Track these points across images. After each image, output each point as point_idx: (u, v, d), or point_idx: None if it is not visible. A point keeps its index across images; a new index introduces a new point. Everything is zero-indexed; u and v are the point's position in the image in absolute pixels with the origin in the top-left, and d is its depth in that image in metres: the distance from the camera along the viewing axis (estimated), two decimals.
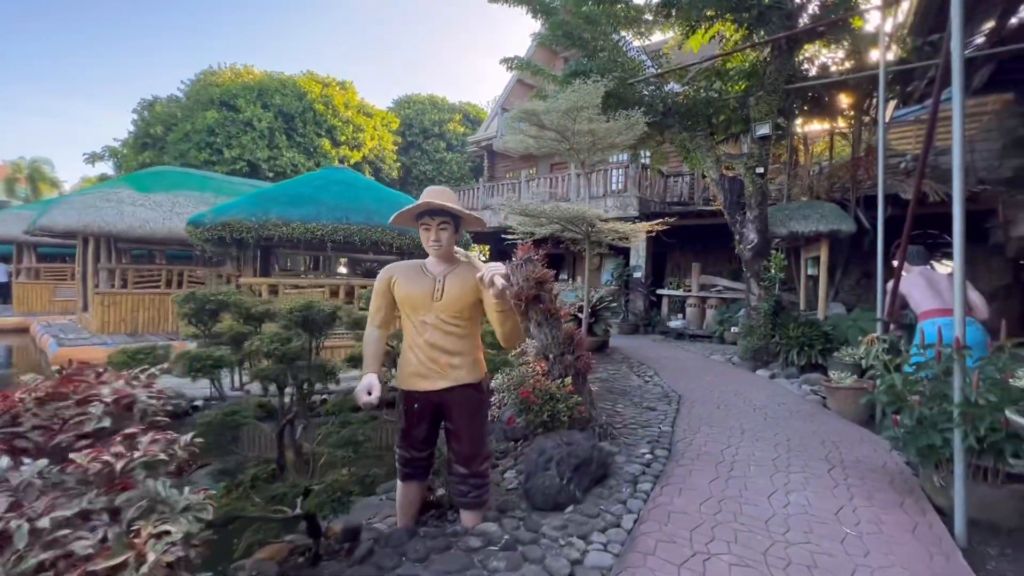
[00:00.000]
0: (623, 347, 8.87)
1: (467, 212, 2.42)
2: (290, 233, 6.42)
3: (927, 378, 2.85)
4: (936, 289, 4.54)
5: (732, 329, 9.61)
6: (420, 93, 25.72)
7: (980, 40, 7.30)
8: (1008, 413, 2.31)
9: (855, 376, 5.06)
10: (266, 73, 16.64)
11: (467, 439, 2.40)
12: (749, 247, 7.13)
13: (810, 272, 8.83)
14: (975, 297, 4.53)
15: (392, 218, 2.43)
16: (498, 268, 2.13)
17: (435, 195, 2.35)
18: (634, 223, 11.78)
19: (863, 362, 3.16)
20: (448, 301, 2.35)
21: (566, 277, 17.42)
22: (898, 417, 2.87)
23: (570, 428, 3.41)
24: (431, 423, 2.44)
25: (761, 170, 6.91)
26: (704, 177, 9.83)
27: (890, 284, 4.81)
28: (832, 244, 7.50)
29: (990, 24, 6.85)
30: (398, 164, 20.77)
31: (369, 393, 2.25)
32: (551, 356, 3.73)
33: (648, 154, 15.29)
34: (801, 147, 10.55)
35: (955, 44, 2.74)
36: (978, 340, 4.35)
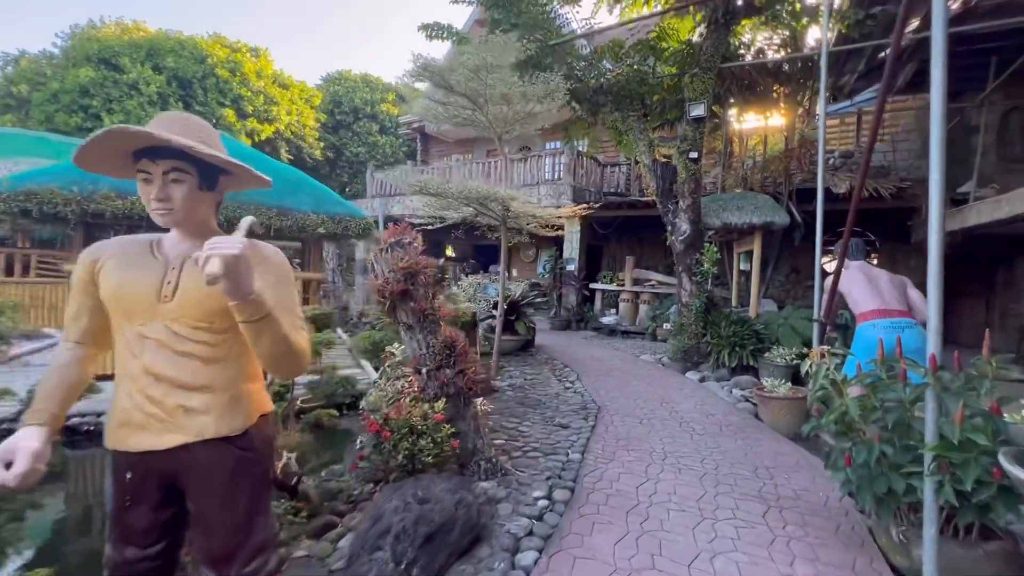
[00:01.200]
0: (550, 345, 8.16)
1: (225, 158, 1.44)
2: (128, 209, 5.11)
3: (885, 405, 2.21)
4: (876, 287, 4.07)
5: (664, 326, 9.16)
6: (352, 71, 23.92)
7: (912, 28, 7.13)
8: (1003, 460, 1.68)
9: (788, 383, 4.55)
10: (160, 31, 14.46)
11: (220, 529, 1.44)
12: (681, 239, 6.57)
13: (742, 267, 8.49)
14: (916, 297, 4.10)
15: (75, 154, 1.41)
16: (224, 244, 1.19)
17: (166, 124, 1.38)
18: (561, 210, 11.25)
19: (809, 381, 2.50)
20: (183, 302, 1.38)
21: (499, 269, 16.64)
22: (849, 455, 2.22)
23: (440, 469, 2.55)
24: (160, 504, 1.47)
25: (695, 155, 6.34)
26: (637, 163, 9.27)
27: (828, 281, 4.32)
28: (764, 238, 7.12)
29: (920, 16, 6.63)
30: (322, 144, 19.04)
31: (8, 466, 1.27)
32: (424, 371, 2.85)
33: (585, 143, 14.79)
34: (736, 139, 10.27)
35: (937, 17, 2.02)
36: (919, 346, 3.94)
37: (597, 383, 5.58)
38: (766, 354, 6.08)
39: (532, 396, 4.94)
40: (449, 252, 20.92)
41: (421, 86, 5.28)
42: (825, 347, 2.59)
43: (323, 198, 5.94)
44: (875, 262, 10.96)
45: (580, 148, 12.05)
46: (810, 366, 2.48)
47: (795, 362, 5.89)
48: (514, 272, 16.39)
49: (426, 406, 2.70)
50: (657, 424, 4.14)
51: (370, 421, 2.45)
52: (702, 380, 6.05)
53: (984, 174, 7.70)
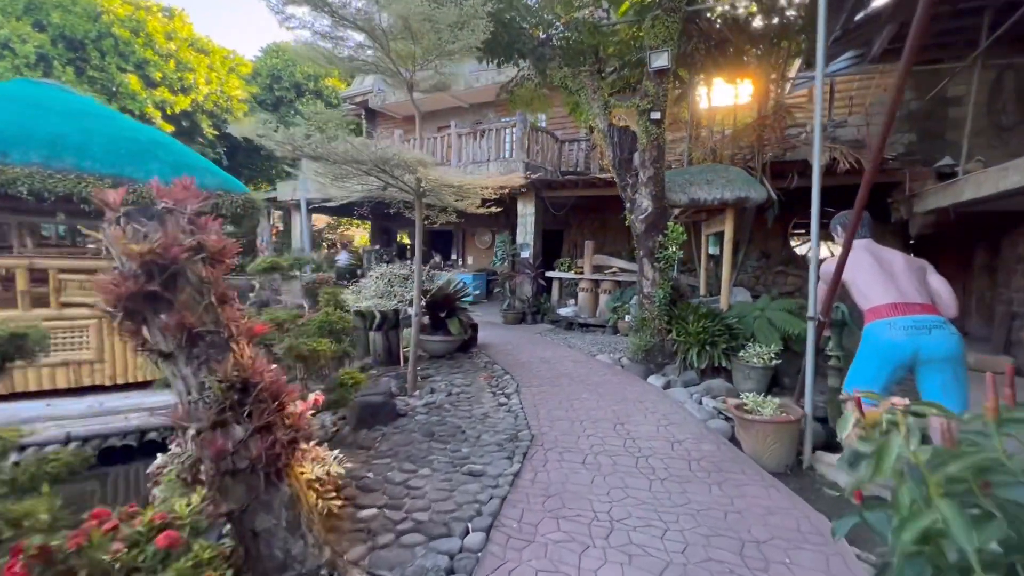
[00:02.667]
0: (496, 344, 7.04)
1: None
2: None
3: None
4: (889, 273, 3.09)
5: (626, 318, 8.18)
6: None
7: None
8: None
9: (773, 399, 3.55)
10: None
11: None
12: (642, 217, 5.52)
13: (711, 251, 7.55)
14: (941, 286, 3.15)
15: None
16: None
17: None
18: (520, 190, 10.08)
19: (841, 442, 1.43)
20: None
21: (455, 258, 15.38)
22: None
23: None
24: None
25: (657, 115, 5.27)
26: (591, 131, 8.16)
27: (825, 267, 3.33)
28: (737, 217, 6.15)
29: None
30: (252, 120, 17.23)
31: None
32: (192, 431, 1.65)
33: (544, 118, 13.64)
34: (702, 113, 9.29)
35: None
36: (954, 352, 3.00)
37: (539, 396, 4.49)
38: (740, 353, 5.13)
39: (451, 420, 3.80)
40: (404, 239, 19.51)
41: (303, 33, 3.97)
42: (854, 393, 1.51)
43: (186, 166, 4.59)
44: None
45: (539, 122, 10.87)
46: (840, 423, 1.39)
47: (774, 362, 4.96)
48: (469, 260, 15.18)
49: (194, 497, 1.52)
50: (606, 464, 3.07)
51: (10, 553, 1.24)
52: (667, 386, 5.05)
53: (970, 145, 6.93)
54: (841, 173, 7.36)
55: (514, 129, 10.06)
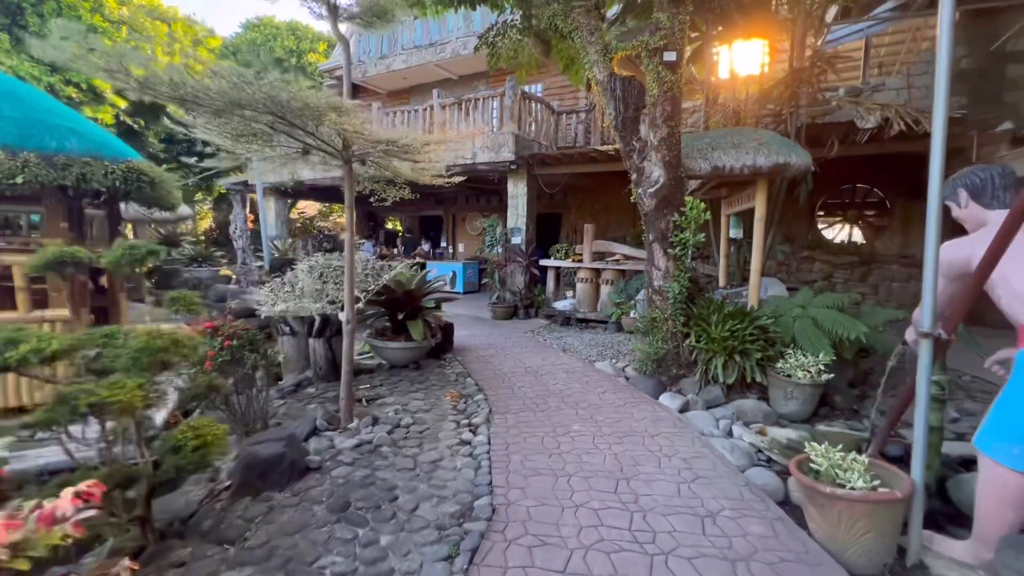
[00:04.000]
0: (476, 348, 5.91)
1: None
2: None
3: None
4: None
5: (632, 314, 7.02)
6: (277, 18, 20.54)
7: None
8: None
9: (859, 459, 2.36)
10: None
11: None
12: (652, 190, 4.32)
13: (732, 234, 6.34)
14: None
15: None
16: None
17: None
18: (509, 167, 8.82)
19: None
20: None
21: (444, 245, 14.19)
22: None
23: None
24: None
25: (673, 56, 4.04)
26: (590, 88, 6.89)
27: (951, 253, 2.16)
28: (769, 191, 4.94)
29: None
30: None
31: None
32: None
33: (540, 89, 12.31)
34: (722, 82, 7.98)
35: None
36: None
37: (516, 429, 3.36)
38: (779, 364, 3.97)
39: (383, 475, 2.67)
40: (396, 226, 18.32)
41: None
42: None
43: (39, 123, 3.42)
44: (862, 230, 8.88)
45: (535, 91, 9.59)
46: None
47: (824, 377, 3.80)
48: (460, 247, 14.00)
49: None
50: (601, 570, 1.93)
51: None
52: (684, 409, 3.90)
53: None
54: (888, 139, 6.11)
55: (503, 98, 8.80)
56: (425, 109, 9.86)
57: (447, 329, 5.61)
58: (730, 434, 3.56)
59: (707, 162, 4.47)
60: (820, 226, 9.62)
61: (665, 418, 3.63)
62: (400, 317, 4.63)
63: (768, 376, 4.02)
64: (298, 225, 19.25)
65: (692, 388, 4.26)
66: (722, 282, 6.34)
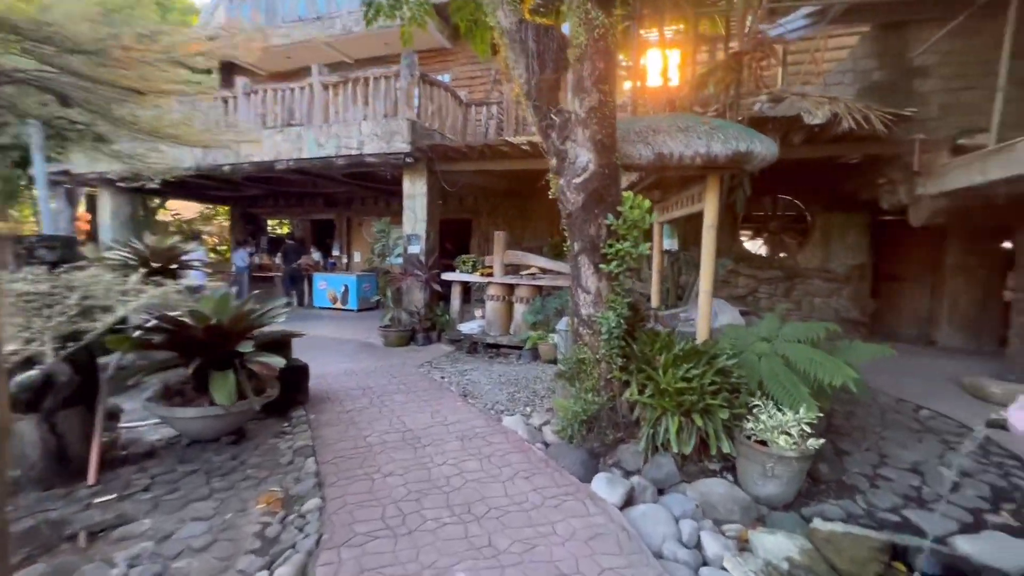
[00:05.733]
0: (347, 394, 4.31)
1: None
2: None
3: None
4: None
5: (552, 339, 5.78)
6: None
7: None
8: None
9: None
10: None
11: None
12: (578, 181, 3.07)
13: (667, 245, 5.33)
14: None
15: None
16: None
17: None
18: (404, 160, 7.24)
19: None
20: None
21: (337, 254, 12.24)
22: None
23: None
24: None
25: None
26: (496, 52, 5.63)
27: None
28: (720, 189, 3.91)
29: None
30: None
31: None
32: None
33: (448, 80, 10.88)
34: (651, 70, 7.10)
35: None
36: None
37: None
38: (748, 424, 2.85)
39: None
40: (285, 229, 15.88)
41: None
42: None
43: None
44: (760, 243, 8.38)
45: (441, 77, 8.13)
46: None
47: (813, 444, 2.73)
48: (356, 257, 12.12)
49: None
50: None
51: None
52: (629, 501, 2.64)
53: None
54: (828, 140, 5.46)
55: (398, 79, 7.28)
56: (303, 88, 8.05)
57: (297, 374, 3.96)
58: (699, 545, 2.33)
59: (649, 148, 3.30)
60: (741, 239, 9.14)
61: (605, 531, 2.32)
62: (205, 367, 2.93)
63: (737, 444, 2.88)
64: (171, 229, 16.11)
65: (634, 459, 3.01)
66: (655, 302, 5.29)
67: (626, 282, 3.23)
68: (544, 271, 6.78)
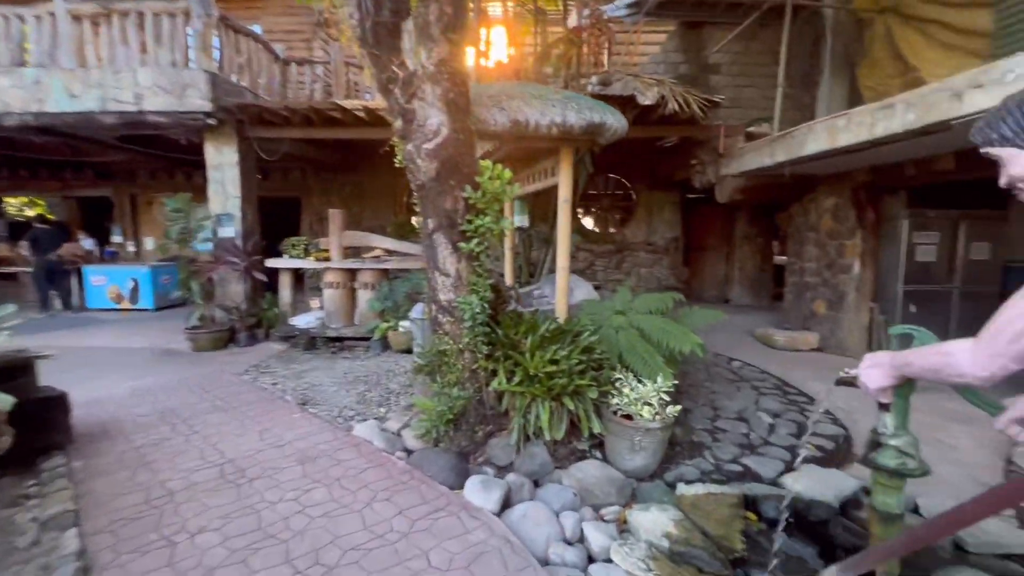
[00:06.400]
0: (135, 423, 3.28)
1: None
2: None
3: None
4: None
5: (402, 325, 5.30)
6: None
7: None
8: None
9: None
10: None
11: None
12: (430, 146, 2.64)
13: (518, 222, 5.22)
14: None
15: None
16: None
17: None
18: (205, 122, 5.74)
19: None
20: None
21: (119, 239, 9.75)
22: None
23: None
24: None
25: None
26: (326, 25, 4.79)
27: None
28: (573, 161, 3.84)
29: None
30: None
31: None
32: None
33: (260, 30, 9.12)
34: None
35: None
36: None
37: None
38: (614, 400, 2.84)
39: None
40: (22, 210, 12.12)
41: None
42: None
43: None
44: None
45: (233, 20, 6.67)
46: None
47: (673, 412, 2.82)
48: (148, 244, 9.80)
49: None
50: None
51: None
52: (506, 505, 2.40)
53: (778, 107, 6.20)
54: (654, 121, 5.89)
55: (190, 18, 5.79)
56: (40, 17, 5.94)
57: (49, 407, 2.85)
58: (583, 538, 2.20)
59: (505, 114, 3.01)
60: (578, 215, 9.66)
61: (487, 549, 2.03)
62: None
63: (605, 421, 2.85)
64: None
65: (506, 453, 2.79)
66: (509, 281, 5.17)
67: (487, 261, 2.94)
68: (390, 253, 6.19)
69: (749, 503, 2.51)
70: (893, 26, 5.59)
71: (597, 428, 2.77)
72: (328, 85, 8.05)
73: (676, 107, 5.11)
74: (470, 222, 2.75)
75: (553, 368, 2.78)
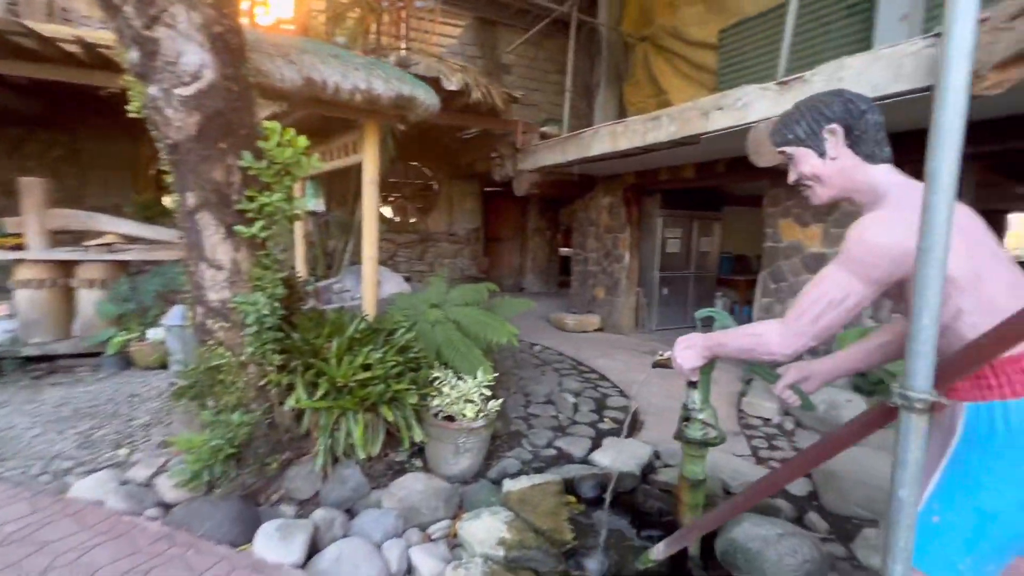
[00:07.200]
0: None
1: None
2: None
3: None
4: (998, 255, 1.24)
5: (151, 334, 4.08)
6: None
7: None
8: None
9: None
10: None
11: None
12: (188, 92, 1.94)
13: (311, 205, 4.52)
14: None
15: None
16: None
17: None
18: None
19: None
20: None
21: None
22: None
23: None
24: None
25: None
26: None
27: (895, 233, 1.21)
28: (378, 137, 3.41)
29: None
30: None
31: None
32: None
33: None
34: None
35: None
36: None
37: None
38: (434, 400, 2.63)
39: None
40: None
41: None
42: None
43: None
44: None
45: None
46: None
47: (494, 407, 2.73)
48: None
49: None
50: None
51: None
52: (313, 552, 1.95)
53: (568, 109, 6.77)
54: (458, 110, 5.82)
55: None
56: None
57: None
58: (410, 570, 1.92)
59: (295, 70, 2.44)
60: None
61: None
62: None
63: (426, 426, 2.60)
64: None
65: (310, 483, 2.31)
66: (302, 272, 4.45)
67: (275, 251, 2.36)
68: (131, 240, 4.73)
69: (568, 486, 2.58)
70: (650, 53, 6.63)
71: (419, 436, 2.50)
72: (14, 5, 5.72)
73: (480, 96, 5.09)
74: (251, 199, 2.15)
75: (366, 375, 2.39)
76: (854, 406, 3.20)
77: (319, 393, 2.34)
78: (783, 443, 3.24)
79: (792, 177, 1.39)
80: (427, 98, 2.94)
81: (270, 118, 2.41)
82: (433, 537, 2.10)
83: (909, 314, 1.23)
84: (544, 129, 6.72)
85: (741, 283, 7.54)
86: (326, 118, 3.48)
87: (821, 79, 3.02)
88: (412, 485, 2.33)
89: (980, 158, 3.32)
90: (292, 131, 2.13)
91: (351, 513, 2.21)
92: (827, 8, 4.29)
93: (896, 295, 1.20)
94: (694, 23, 5.86)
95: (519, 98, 5.74)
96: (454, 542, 2.09)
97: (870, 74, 2.77)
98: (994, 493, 1.06)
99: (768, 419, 3.61)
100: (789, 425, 3.50)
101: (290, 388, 2.34)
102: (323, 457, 2.30)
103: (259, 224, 2.15)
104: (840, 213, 3.89)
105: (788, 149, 1.35)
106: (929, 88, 2.44)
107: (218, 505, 2.03)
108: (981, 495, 1.07)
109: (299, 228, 4.40)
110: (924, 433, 0.97)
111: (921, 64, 2.54)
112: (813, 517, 2.32)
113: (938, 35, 2.43)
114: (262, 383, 2.30)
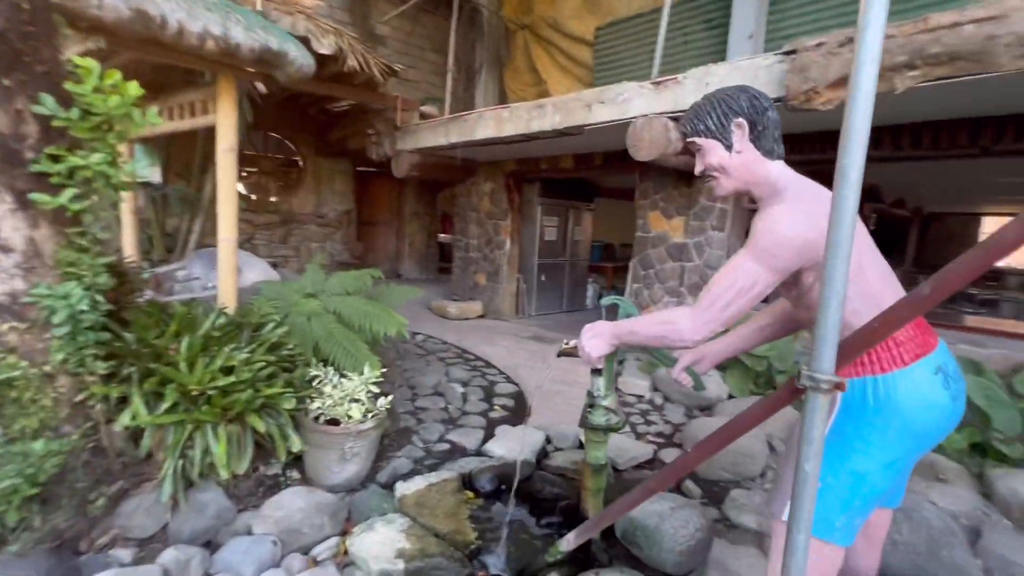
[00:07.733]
0: None
1: None
2: None
3: None
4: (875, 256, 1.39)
5: None
6: None
7: None
8: None
9: None
10: None
11: None
12: None
13: (145, 174, 3.71)
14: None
15: None
16: None
17: None
18: None
19: None
20: None
21: None
22: None
23: None
24: None
25: None
26: None
27: (805, 226, 1.26)
28: (235, 96, 2.86)
29: None
30: None
31: None
32: None
33: None
34: None
35: None
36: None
37: None
38: (314, 403, 2.34)
39: None
40: None
41: None
42: None
43: None
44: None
45: None
46: None
47: (384, 404, 2.51)
48: None
49: None
50: None
51: None
52: None
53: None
54: (331, 77, 5.27)
55: None
56: None
57: None
58: None
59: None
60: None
61: None
62: None
63: (305, 433, 2.29)
64: None
65: (154, 516, 1.88)
66: (131, 254, 3.64)
67: (97, 229, 1.84)
68: None
69: (465, 481, 2.49)
70: (530, 41, 6.68)
71: (297, 446, 2.18)
72: None
73: (356, 65, 4.64)
74: (55, 159, 1.62)
75: (229, 380, 2.00)
76: (714, 380, 3.61)
77: (165, 405, 1.90)
78: (656, 417, 3.52)
79: (699, 168, 1.42)
80: (300, 56, 2.53)
81: (83, 55, 1.84)
82: (319, 560, 1.85)
83: (801, 300, 1.35)
84: (424, 108, 6.42)
85: (608, 269, 8.13)
86: (161, 67, 2.84)
87: (692, 82, 3.28)
88: (290, 502, 2.03)
89: (805, 165, 3.92)
90: (118, 74, 1.65)
91: (213, 547, 1.85)
92: (690, 20, 4.70)
93: (790, 283, 1.30)
94: (572, 17, 6.03)
95: (398, 72, 5.36)
96: (345, 561, 1.86)
97: (731, 81, 3.07)
98: (864, 456, 1.20)
99: (641, 396, 3.90)
100: (659, 400, 3.82)
101: (122, 401, 1.86)
102: (171, 483, 1.88)
103: (69, 192, 1.63)
104: (699, 208, 4.32)
105: (698, 140, 1.38)
106: (780, 99, 2.78)
107: (15, 565, 1.53)
108: (854, 458, 1.21)
109: (127, 203, 3.57)
110: (826, 411, 1.04)
111: (773, 77, 2.87)
112: (690, 484, 2.54)
113: (788, 52, 2.76)
114: (80, 398, 1.79)
